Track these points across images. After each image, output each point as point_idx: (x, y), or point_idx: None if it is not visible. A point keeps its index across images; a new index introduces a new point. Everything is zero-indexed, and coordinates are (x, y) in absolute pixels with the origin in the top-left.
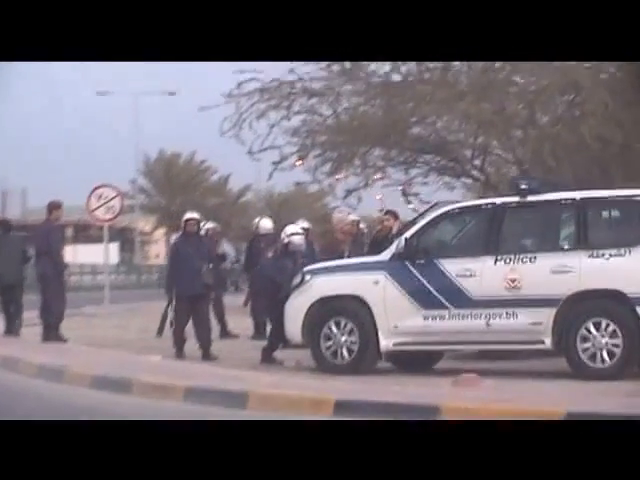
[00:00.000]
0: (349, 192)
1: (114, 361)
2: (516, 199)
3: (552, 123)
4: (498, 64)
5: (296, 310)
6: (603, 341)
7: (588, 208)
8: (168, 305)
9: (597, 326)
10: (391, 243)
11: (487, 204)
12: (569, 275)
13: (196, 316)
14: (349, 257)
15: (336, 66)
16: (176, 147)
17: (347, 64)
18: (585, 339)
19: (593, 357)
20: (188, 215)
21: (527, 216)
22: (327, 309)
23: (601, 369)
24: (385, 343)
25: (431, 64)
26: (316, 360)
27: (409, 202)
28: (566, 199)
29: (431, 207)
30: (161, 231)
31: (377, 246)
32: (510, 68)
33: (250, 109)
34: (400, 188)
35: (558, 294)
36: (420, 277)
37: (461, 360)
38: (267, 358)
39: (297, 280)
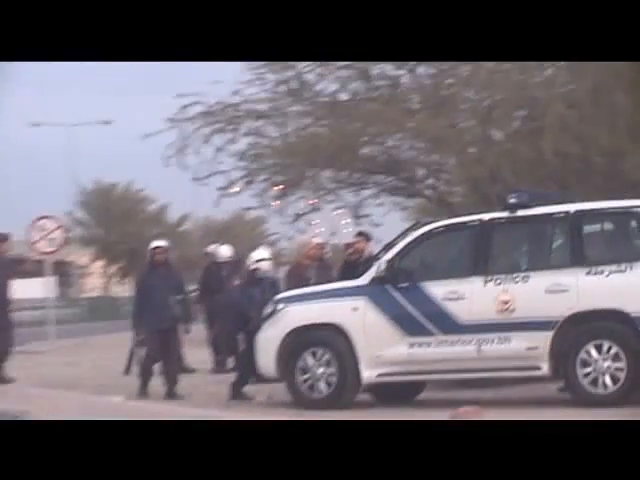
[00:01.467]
0: (298, 216)
1: (75, 404)
2: (505, 214)
3: (509, 139)
4: (449, 80)
5: (269, 342)
6: (605, 365)
7: (583, 221)
8: (135, 341)
9: (598, 349)
10: (364, 266)
11: (473, 221)
12: (566, 294)
13: (166, 351)
14: (316, 283)
15: (282, 86)
16: (113, 177)
17: (294, 84)
18: (585, 363)
19: (594, 382)
20: (155, 243)
21: (517, 232)
22: (302, 340)
23: (603, 395)
24: (368, 374)
25: (380, 81)
26: (292, 395)
27: (359, 225)
28: (559, 212)
29: (413, 226)
30: (99, 263)
31: (349, 270)
32: (462, 83)
33: (194, 134)
34: (336, 213)
35: (555, 315)
36: (403, 302)
37: (444, 389)
38: (237, 394)
39: (269, 310)
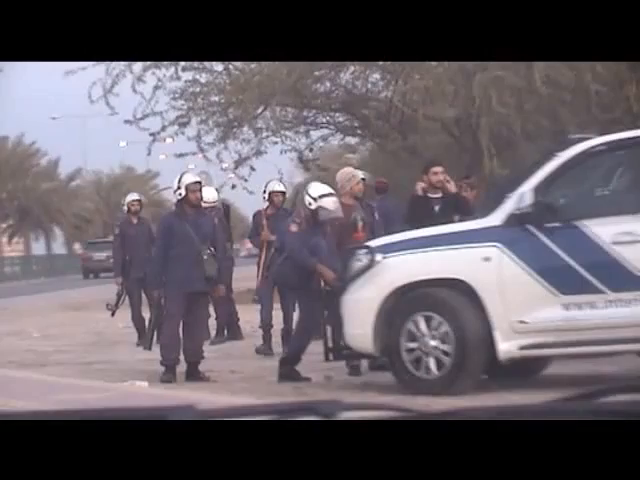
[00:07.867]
0: (239, 161)
1: (95, 395)
2: None
3: (493, 67)
4: None
5: (363, 305)
6: None
7: None
8: (156, 306)
9: None
10: (447, 204)
11: None
12: None
13: (190, 320)
14: (364, 227)
15: None
16: (2, 130)
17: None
18: None
19: None
20: (188, 178)
21: None
22: (409, 301)
23: None
24: (506, 347)
25: None
26: (395, 373)
27: (307, 169)
28: None
29: (562, 143)
30: None
31: (422, 211)
32: None
33: (123, 71)
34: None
35: None
36: (554, 248)
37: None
38: (289, 374)
39: (362, 262)
